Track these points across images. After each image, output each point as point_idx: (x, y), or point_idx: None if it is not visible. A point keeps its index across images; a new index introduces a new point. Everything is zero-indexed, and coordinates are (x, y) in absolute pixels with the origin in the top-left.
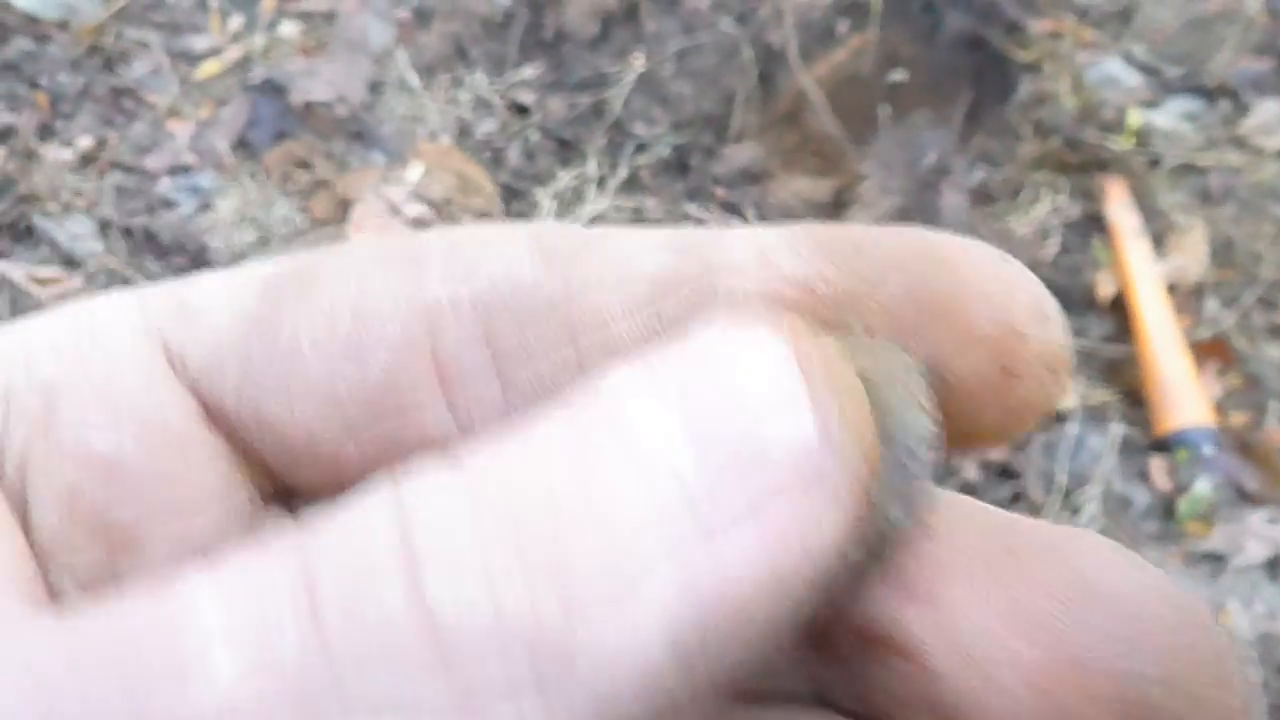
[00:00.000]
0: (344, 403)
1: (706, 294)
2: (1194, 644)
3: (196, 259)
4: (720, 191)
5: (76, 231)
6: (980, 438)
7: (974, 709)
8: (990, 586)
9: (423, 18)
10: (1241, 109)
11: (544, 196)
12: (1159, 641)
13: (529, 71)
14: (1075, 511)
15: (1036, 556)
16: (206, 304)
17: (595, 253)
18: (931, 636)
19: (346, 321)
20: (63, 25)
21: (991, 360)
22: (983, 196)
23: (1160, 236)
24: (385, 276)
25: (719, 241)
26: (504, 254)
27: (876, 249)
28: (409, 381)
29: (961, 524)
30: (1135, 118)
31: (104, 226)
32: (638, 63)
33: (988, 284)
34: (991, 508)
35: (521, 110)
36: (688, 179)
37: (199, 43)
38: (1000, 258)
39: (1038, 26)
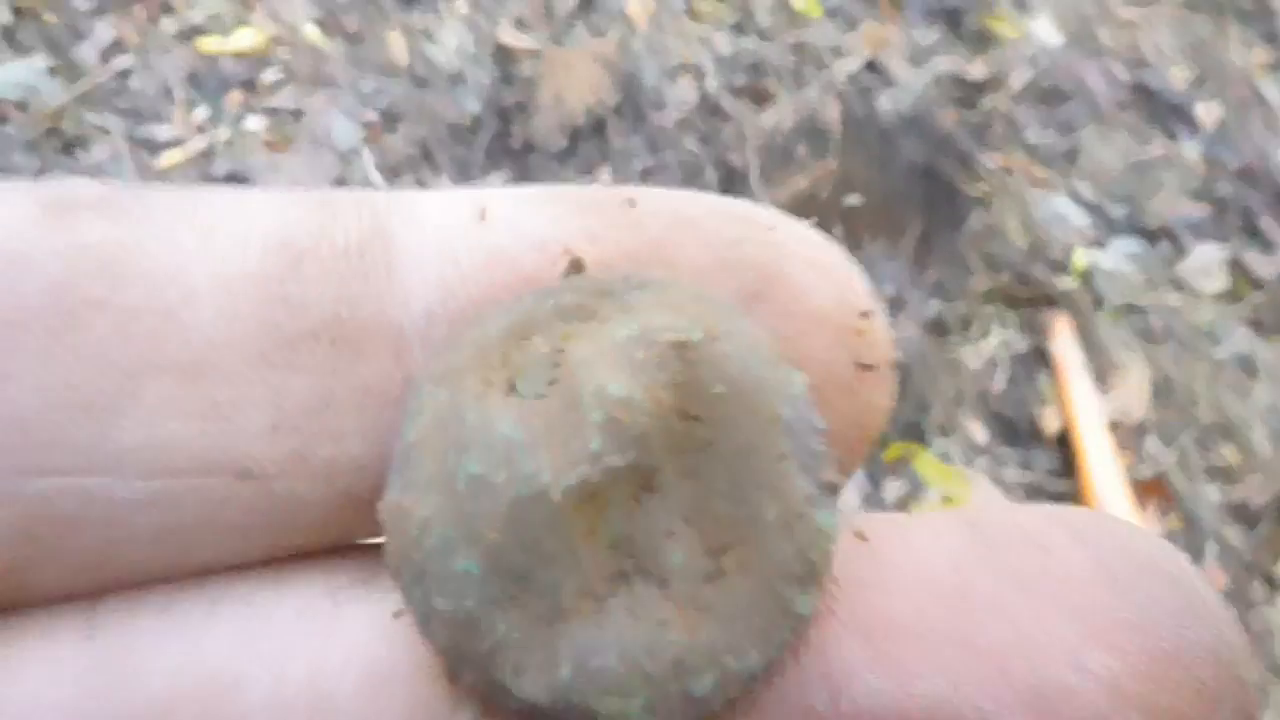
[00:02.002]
0: None
1: (363, 260)
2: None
3: None
4: None
5: None
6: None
7: None
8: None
9: (390, 120)
10: (1180, 251)
11: None
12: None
13: (495, 180)
14: None
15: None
16: None
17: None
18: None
19: None
20: (21, 106)
21: (842, 350)
22: (937, 327)
23: (1103, 373)
24: None
25: (406, 200)
26: None
27: (660, 203)
28: None
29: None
30: (1081, 258)
31: None
32: (604, 178)
33: (816, 253)
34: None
35: None
36: None
37: (162, 132)
38: (815, 232)
39: (989, 161)
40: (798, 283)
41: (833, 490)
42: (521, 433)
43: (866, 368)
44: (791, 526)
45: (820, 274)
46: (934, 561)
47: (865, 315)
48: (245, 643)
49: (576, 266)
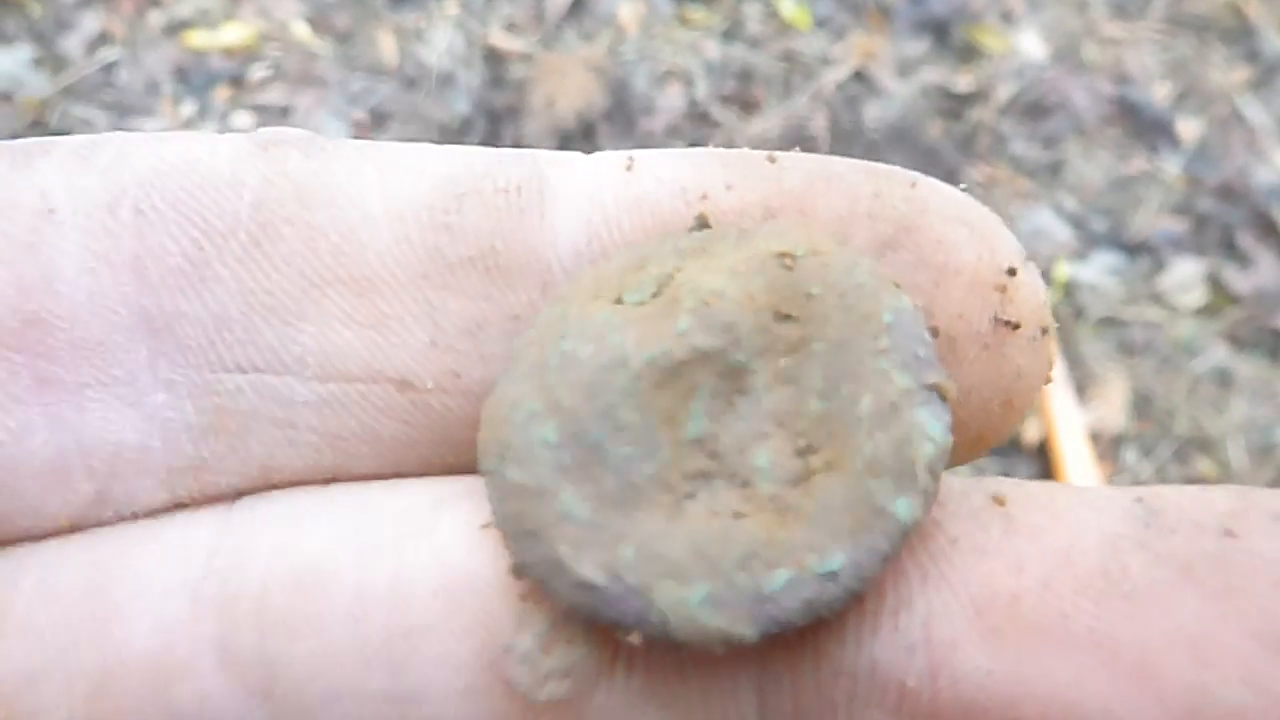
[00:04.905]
0: None
1: (520, 198)
2: None
3: None
4: None
5: None
6: (966, 429)
7: None
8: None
9: (379, 119)
10: (1160, 266)
11: None
12: None
13: None
14: None
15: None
16: None
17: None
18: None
19: None
20: (5, 97)
21: (980, 303)
22: None
23: (1083, 385)
24: None
25: (564, 156)
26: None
27: (800, 160)
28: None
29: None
30: (1063, 271)
31: None
32: None
33: (959, 209)
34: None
35: None
36: None
37: (148, 126)
38: (961, 192)
39: (974, 173)
40: (936, 234)
41: (940, 394)
42: (618, 319)
43: (1009, 325)
44: (886, 419)
45: (961, 228)
46: (1082, 538)
47: (1011, 272)
48: (344, 538)
49: (702, 222)
